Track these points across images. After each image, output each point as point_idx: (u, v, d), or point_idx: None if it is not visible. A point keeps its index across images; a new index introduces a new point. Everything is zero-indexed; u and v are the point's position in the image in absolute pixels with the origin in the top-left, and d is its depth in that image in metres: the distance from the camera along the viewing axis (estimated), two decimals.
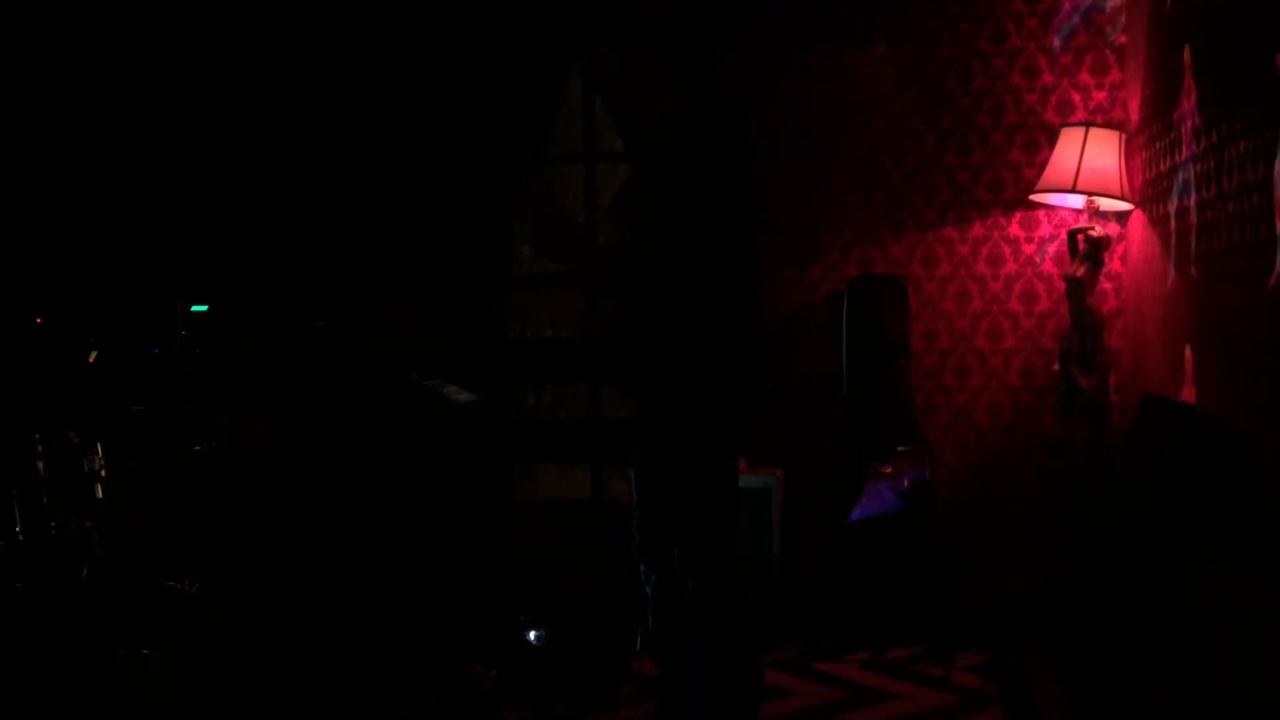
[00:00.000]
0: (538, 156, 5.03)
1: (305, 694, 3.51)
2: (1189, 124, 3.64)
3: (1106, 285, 4.55)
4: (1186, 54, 3.69)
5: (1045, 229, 4.69)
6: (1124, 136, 4.34)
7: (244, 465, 3.85)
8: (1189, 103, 3.65)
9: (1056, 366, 4.39)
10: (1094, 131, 4.28)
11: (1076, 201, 4.39)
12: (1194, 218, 3.59)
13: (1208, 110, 3.47)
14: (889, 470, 4.43)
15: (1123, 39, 4.58)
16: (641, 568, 2.76)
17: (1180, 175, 3.74)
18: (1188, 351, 3.70)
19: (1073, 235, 4.36)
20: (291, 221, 4.97)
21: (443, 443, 4.34)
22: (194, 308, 4.06)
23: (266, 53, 4.98)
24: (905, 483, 4.41)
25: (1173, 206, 3.83)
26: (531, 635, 3.87)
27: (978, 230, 4.76)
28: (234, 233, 4.94)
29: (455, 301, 5.01)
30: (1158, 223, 4.06)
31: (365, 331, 4.89)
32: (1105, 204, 4.34)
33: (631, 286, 2.64)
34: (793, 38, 4.81)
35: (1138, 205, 4.32)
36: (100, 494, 3.56)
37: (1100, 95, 4.63)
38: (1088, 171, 4.23)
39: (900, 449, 4.38)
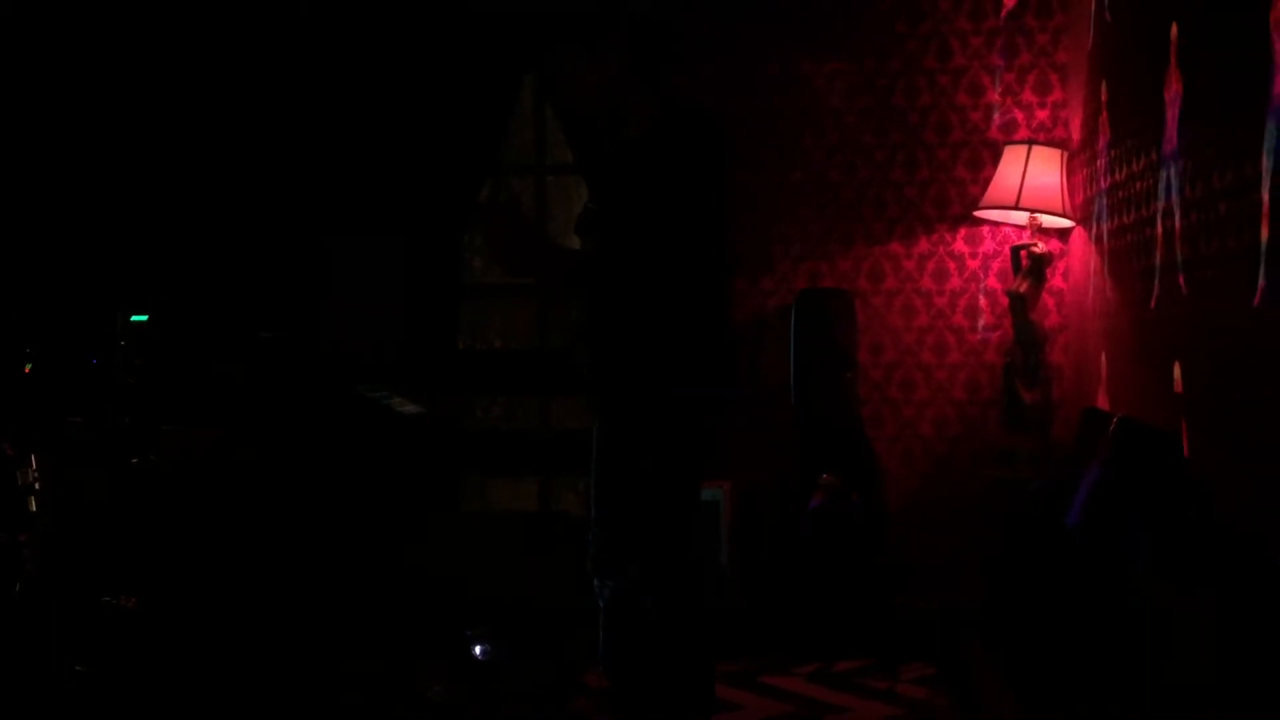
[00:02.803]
0: (492, 166, 5.02)
1: (247, 710, 3.46)
2: (1105, 156, 3.87)
3: (1049, 301, 4.62)
4: (1103, 89, 3.91)
5: (989, 245, 4.76)
6: (1066, 155, 4.42)
7: (186, 477, 3.79)
8: (1105, 136, 3.84)
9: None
10: (1036, 149, 4.36)
11: (1020, 218, 4.46)
12: (1108, 243, 3.85)
13: (1116, 146, 3.70)
14: (837, 482, 4.47)
15: (1064, 58, 4.67)
16: (595, 580, 2.75)
17: (1102, 201, 3.91)
18: (1103, 359, 3.91)
19: (1016, 251, 4.43)
20: (236, 230, 4.91)
21: (390, 455, 4.30)
22: (134, 317, 4.00)
23: (209, 56, 4.92)
24: (852, 495, 4.45)
25: (1099, 229, 4.01)
26: (479, 649, 3.85)
27: (923, 245, 4.82)
28: (177, 242, 4.87)
29: (405, 312, 4.97)
30: (1094, 241, 4.16)
31: (312, 342, 4.84)
32: (1048, 221, 4.41)
33: (600, 295, 2.63)
34: (749, 49, 4.86)
35: (1079, 223, 4.40)
36: (34, 507, 3.49)
37: (1043, 114, 4.71)
38: (1030, 189, 4.30)
39: (835, 463, 4.44)
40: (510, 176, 5.24)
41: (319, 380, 4.43)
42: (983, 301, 4.78)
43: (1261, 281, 2.43)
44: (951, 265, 4.81)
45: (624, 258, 2.57)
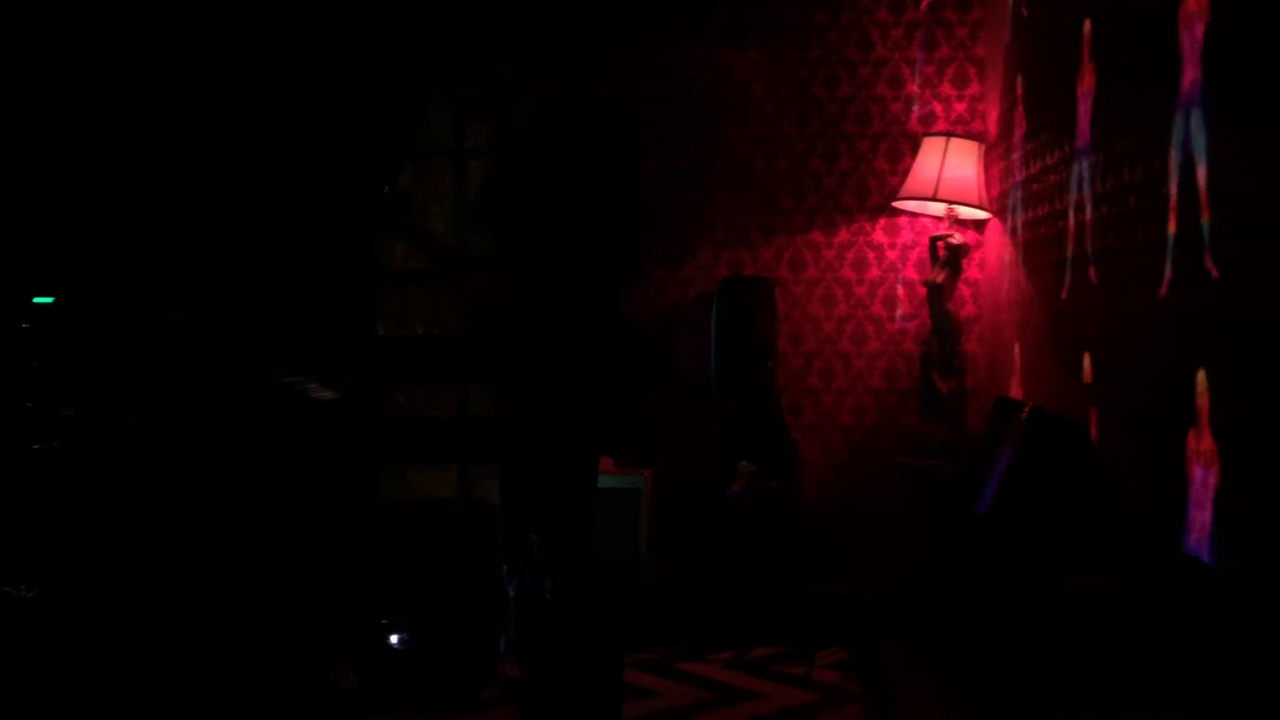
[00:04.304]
0: (411, 149, 4.95)
1: (156, 702, 3.38)
2: (1020, 150, 3.94)
3: (965, 291, 4.69)
4: (1019, 83, 3.98)
5: (908, 235, 4.81)
6: (983, 147, 4.48)
7: (89, 465, 3.68)
8: (1020, 130, 3.89)
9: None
10: (954, 142, 4.41)
11: (937, 209, 4.51)
12: (1022, 235, 3.93)
13: (1031, 140, 3.77)
14: (756, 470, 4.49)
15: (982, 51, 4.73)
16: (504, 569, 2.73)
17: (1017, 194, 4.01)
18: (1017, 349, 3.99)
19: (934, 242, 4.48)
20: (150, 212, 4.78)
21: (305, 442, 4.22)
22: (37, 299, 3.87)
23: (122, 41, 4.78)
24: (771, 483, 4.48)
25: (1014, 221, 4.08)
26: (394, 639, 3.80)
27: (844, 235, 4.86)
28: (86, 225, 4.72)
29: (323, 297, 4.89)
30: (1009, 233, 4.23)
31: (227, 327, 4.72)
32: (964, 212, 4.47)
33: (497, 287, 2.61)
34: (670, 37, 4.84)
35: (995, 214, 4.46)
36: None
37: (961, 107, 4.77)
38: (948, 180, 4.35)
39: (754, 450, 4.46)
40: (431, 159, 5.17)
41: (233, 366, 4.33)
42: (901, 291, 4.83)
43: (1168, 272, 2.48)
44: (871, 255, 4.86)
45: (515, 250, 2.56)
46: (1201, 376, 2.28)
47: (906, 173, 4.56)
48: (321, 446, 4.00)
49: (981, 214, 4.49)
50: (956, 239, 4.43)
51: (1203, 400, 2.28)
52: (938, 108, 4.78)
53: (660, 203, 4.81)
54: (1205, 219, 2.29)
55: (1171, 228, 2.47)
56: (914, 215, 4.75)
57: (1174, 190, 2.45)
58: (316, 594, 3.98)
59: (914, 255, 4.80)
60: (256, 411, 3.97)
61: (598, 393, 2.66)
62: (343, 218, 4.79)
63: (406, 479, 5.41)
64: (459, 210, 5.03)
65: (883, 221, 4.83)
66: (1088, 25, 3.11)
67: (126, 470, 3.71)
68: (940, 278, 4.42)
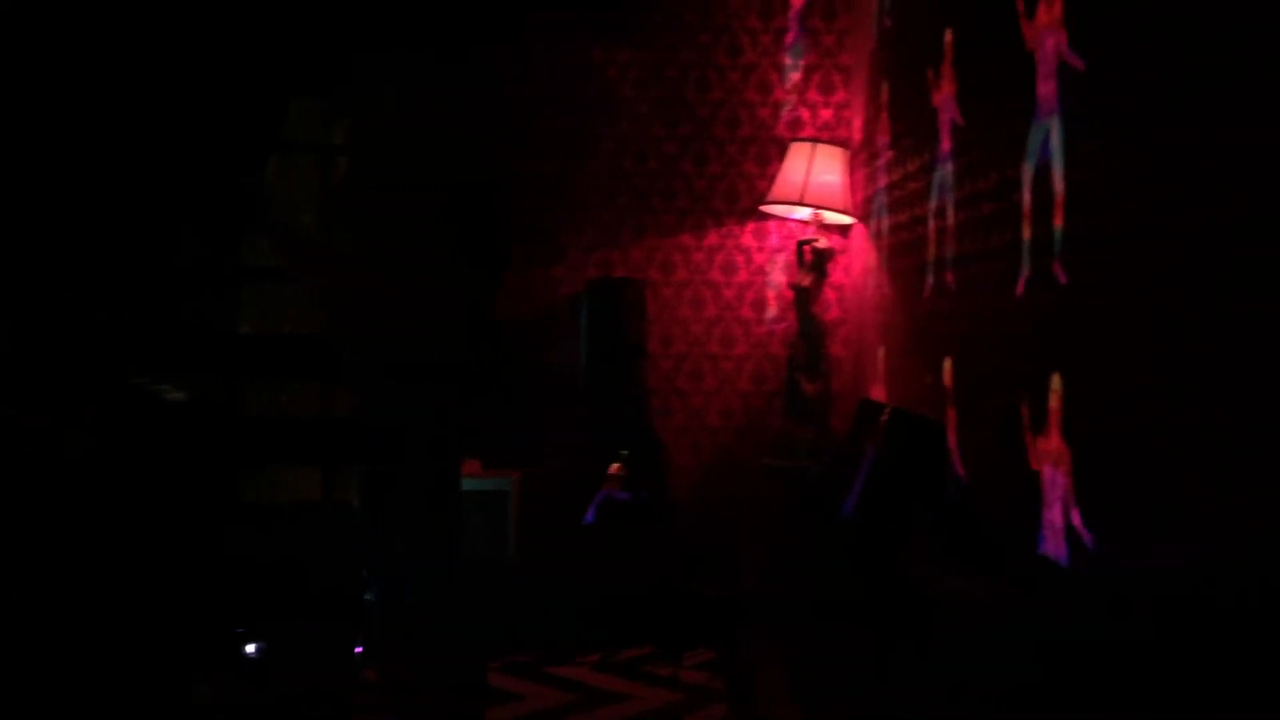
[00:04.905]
0: (277, 143, 4.80)
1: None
2: (884, 156, 4.00)
3: (831, 295, 4.76)
4: (884, 91, 4.06)
5: (775, 239, 4.87)
6: (848, 153, 4.56)
7: None
8: (884, 136, 3.98)
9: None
10: (821, 147, 4.48)
11: (804, 214, 4.57)
12: (886, 240, 4.02)
13: (894, 146, 3.87)
14: (625, 472, 4.49)
15: (848, 59, 4.82)
16: (365, 574, 2.66)
17: (881, 199, 4.09)
18: (880, 352, 4.08)
19: (800, 246, 4.55)
20: None
21: (159, 445, 4.06)
22: None
23: None
24: (640, 485, 4.48)
25: (878, 226, 4.16)
26: (251, 647, 3.68)
27: (713, 238, 4.89)
28: None
29: (184, 294, 4.70)
30: (873, 237, 4.31)
31: (82, 325, 4.51)
32: (830, 217, 4.55)
33: (361, 285, 2.55)
34: (541, 35, 4.80)
35: (859, 219, 4.54)
36: None
37: (827, 113, 4.85)
38: (814, 186, 4.42)
39: (624, 453, 4.46)
40: (297, 154, 5.02)
41: (85, 365, 4.14)
42: (769, 294, 4.89)
43: (1023, 277, 2.55)
44: (740, 258, 4.90)
45: (378, 248, 2.51)
46: (1056, 377, 2.35)
47: (774, 177, 4.62)
48: (171, 448, 3.86)
49: (847, 219, 4.57)
50: (822, 243, 4.51)
51: (1054, 401, 2.35)
52: (805, 114, 4.85)
53: (530, 201, 4.78)
54: (1058, 225, 2.36)
55: (1026, 234, 2.54)
56: (782, 219, 4.81)
57: (1028, 197, 2.53)
58: (168, 601, 3.83)
59: (782, 259, 4.86)
60: (104, 412, 3.80)
61: (464, 393, 2.61)
62: (200, 212, 4.62)
63: (267, 481, 5.25)
64: (325, 207, 4.91)
65: (751, 225, 4.88)
66: (949, 35, 3.19)
67: None
68: (807, 281, 4.48)
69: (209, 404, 4.09)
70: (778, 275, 4.87)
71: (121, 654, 3.62)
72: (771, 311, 4.88)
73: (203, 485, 4.35)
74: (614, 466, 4.52)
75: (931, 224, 3.34)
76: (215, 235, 4.71)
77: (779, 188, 4.52)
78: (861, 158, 4.51)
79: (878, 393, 4.10)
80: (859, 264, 4.63)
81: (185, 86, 4.65)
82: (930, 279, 3.35)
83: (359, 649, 3.80)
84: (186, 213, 4.66)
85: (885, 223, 4.02)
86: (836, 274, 4.75)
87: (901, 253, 3.76)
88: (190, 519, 4.15)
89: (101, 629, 3.64)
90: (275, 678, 3.63)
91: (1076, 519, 2.23)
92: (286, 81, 4.75)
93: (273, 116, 4.75)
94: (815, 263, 4.48)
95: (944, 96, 3.22)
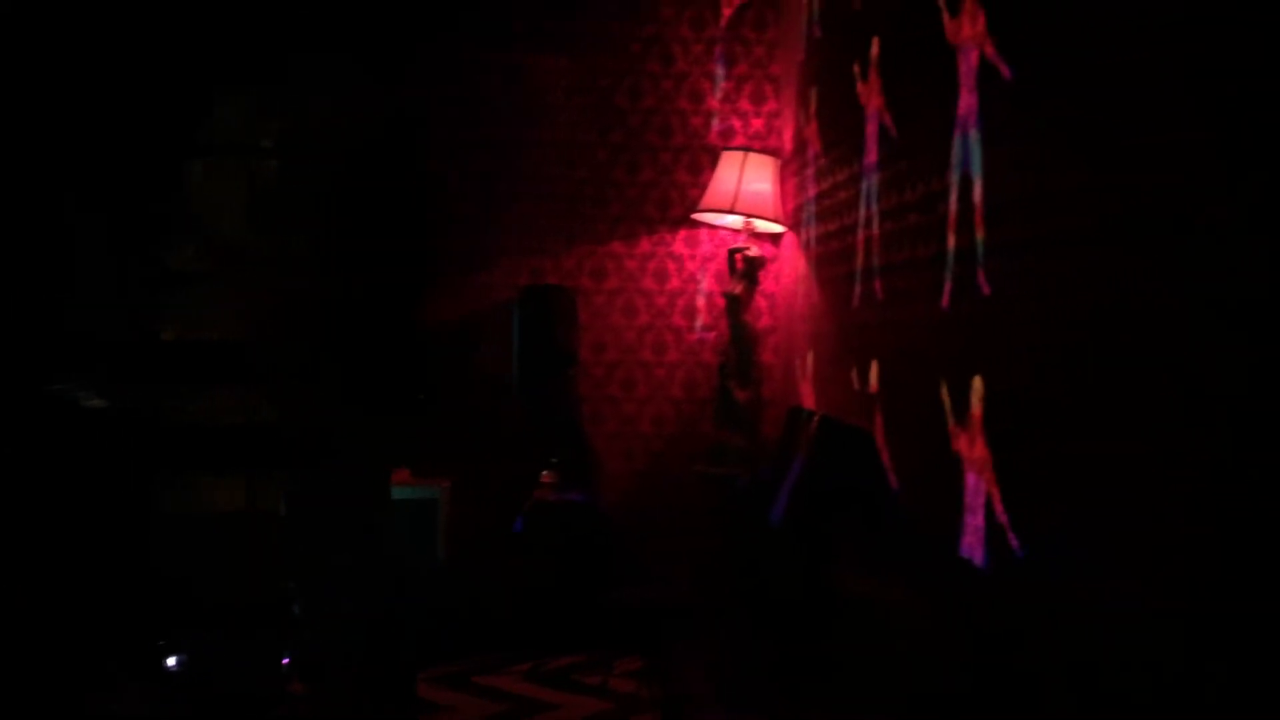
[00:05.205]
0: (198, 145, 4.72)
1: None
2: (814, 165, 4.04)
3: (762, 303, 4.79)
4: (813, 101, 4.11)
5: (707, 247, 4.89)
6: (779, 163, 4.59)
7: None
8: (814, 146, 4.02)
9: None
10: (752, 156, 4.51)
11: (735, 222, 4.60)
12: (815, 249, 4.06)
13: (824, 156, 3.91)
14: (557, 479, 4.47)
15: (778, 69, 4.86)
16: (290, 583, 2.62)
17: (810, 208, 4.12)
18: (810, 359, 4.12)
19: (732, 254, 4.57)
20: None
21: (77, 453, 3.97)
22: None
23: None
24: (572, 493, 4.47)
25: (807, 235, 4.21)
26: (173, 659, 3.61)
27: (645, 246, 4.90)
28: None
29: (102, 300, 4.60)
30: (803, 246, 4.35)
31: None
32: (761, 225, 4.57)
33: (277, 290, 2.51)
34: (472, 39, 4.78)
35: (790, 228, 4.58)
36: None
37: (758, 123, 4.88)
38: (746, 194, 4.44)
39: (555, 460, 4.45)
40: (221, 156, 4.95)
41: None
42: (700, 302, 4.90)
43: (948, 285, 2.59)
44: (671, 266, 4.91)
45: (296, 252, 2.48)
46: (978, 383, 2.38)
47: (707, 186, 4.64)
48: (88, 456, 3.77)
49: (778, 228, 4.60)
50: (754, 251, 4.53)
51: (977, 409, 2.38)
52: (736, 123, 4.88)
53: (461, 208, 4.75)
54: (980, 235, 2.39)
55: (950, 243, 2.57)
56: (714, 228, 4.84)
57: (953, 207, 2.56)
58: (86, 611, 3.74)
59: (713, 267, 4.88)
60: (19, 419, 3.71)
61: (391, 400, 2.58)
62: (121, 215, 4.53)
63: (187, 489, 5.15)
64: (250, 209, 4.84)
65: (683, 233, 4.90)
66: (876, 47, 3.23)
67: None
68: (738, 289, 4.51)
69: (129, 411, 4.01)
70: (709, 283, 4.89)
71: (38, 665, 3.53)
72: (703, 319, 4.90)
73: (123, 493, 4.26)
74: (545, 474, 4.50)
75: (860, 233, 3.38)
76: (137, 239, 4.63)
77: (711, 196, 4.54)
78: (792, 167, 4.55)
79: (807, 399, 4.14)
80: (790, 272, 4.66)
81: (104, 87, 4.56)
82: (859, 287, 3.38)
83: (285, 660, 3.75)
84: (106, 215, 4.57)
85: (815, 231, 4.05)
86: (768, 282, 4.78)
87: (831, 261, 3.80)
88: (109, 528, 4.06)
89: (16, 639, 3.55)
90: (198, 690, 3.57)
91: (1001, 522, 2.26)
92: (210, 81, 4.68)
93: (195, 117, 4.67)
94: (746, 271, 4.50)
95: (872, 107, 3.26)
